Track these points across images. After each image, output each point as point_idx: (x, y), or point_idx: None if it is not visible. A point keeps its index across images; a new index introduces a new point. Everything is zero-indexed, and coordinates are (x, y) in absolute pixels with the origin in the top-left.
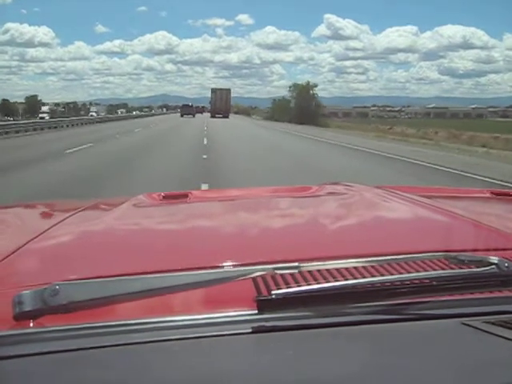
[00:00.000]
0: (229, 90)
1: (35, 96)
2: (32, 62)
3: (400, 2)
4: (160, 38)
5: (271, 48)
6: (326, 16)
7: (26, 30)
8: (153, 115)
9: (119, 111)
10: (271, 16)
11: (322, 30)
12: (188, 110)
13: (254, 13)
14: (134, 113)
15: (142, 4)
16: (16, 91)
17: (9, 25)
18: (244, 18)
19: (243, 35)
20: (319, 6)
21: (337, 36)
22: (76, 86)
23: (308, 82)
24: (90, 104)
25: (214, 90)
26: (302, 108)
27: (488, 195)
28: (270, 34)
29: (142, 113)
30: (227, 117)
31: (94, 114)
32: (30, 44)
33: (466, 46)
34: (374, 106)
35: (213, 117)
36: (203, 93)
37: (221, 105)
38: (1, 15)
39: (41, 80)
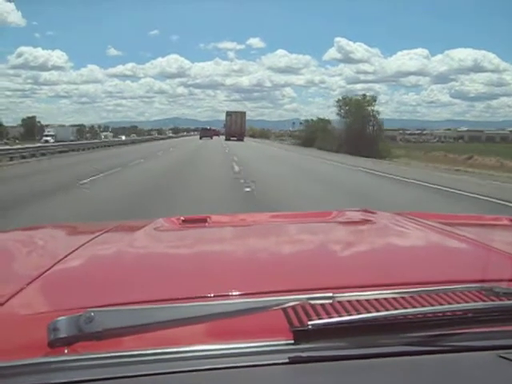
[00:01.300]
0: (244, 113)
1: (33, 118)
2: (45, 85)
3: (410, 25)
4: (172, 61)
5: (282, 71)
6: (337, 39)
7: (40, 54)
8: (156, 139)
9: (104, 134)
10: (282, 40)
11: (332, 53)
12: (206, 132)
13: (265, 36)
14: (124, 136)
15: (154, 28)
16: (29, 113)
17: (22, 48)
18: (255, 41)
19: (254, 59)
20: (330, 30)
21: (347, 59)
22: (88, 109)
23: (364, 96)
24: (99, 127)
25: (229, 113)
26: (355, 131)
27: (506, 222)
28: (281, 57)
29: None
30: (242, 140)
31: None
32: (43, 67)
33: (477, 69)
34: (399, 129)
35: (227, 140)
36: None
37: (236, 128)
38: (15, 39)
39: (54, 103)
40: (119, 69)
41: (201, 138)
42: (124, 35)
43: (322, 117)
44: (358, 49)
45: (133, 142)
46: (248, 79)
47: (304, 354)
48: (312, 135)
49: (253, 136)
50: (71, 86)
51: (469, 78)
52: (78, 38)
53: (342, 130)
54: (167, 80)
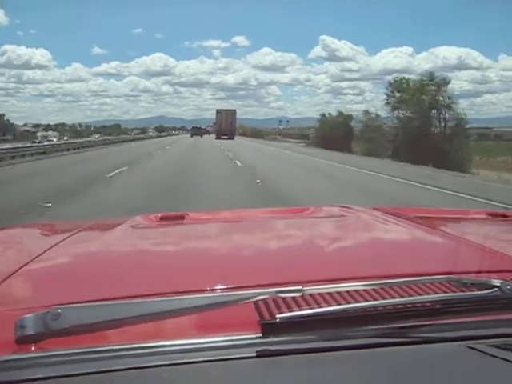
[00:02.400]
0: (234, 111)
1: (1, 116)
2: (29, 84)
3: (395, 23)
4: (157, 59)
5: (268, 69)
6: (322, 37)
7: (23, 52)
8: (134, 139)
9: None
10: (267, 38)
11: (318, 51)
12: (197, 131)
13: (250, 34)
14: (94, 136)
15: (138, 26)
16: (13, 113)
17: (5, 47)
18: (240, 39)
19: (239, 57)
20: (315, 28)
21: (333, 57)
22: (73, 108)
23: (431, 76)
24: (80, 126)
25: (219, 111)
26: (416, 129)
27: (484, 216)
28: (267, 55)
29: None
30: (232, 138)
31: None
32: (27, 66)
33: (461, 66)
34: None
35: (218, 138)
36: (200, 114)
37: (226, 126)
38: None
39: (38, 102)
40: (103, 67)
41: (192, 136)
42: (108, 33)
43: (309, 114)
44: (344, 47)
45: (90, 146)
46: (233, 77)
47: (272, 347)
48: (331, 133)
49: (243, 135)
50: (55, 84)
51: (453, 76)
52: (61, 36)
53: (392, 126)
54: (152, 78)
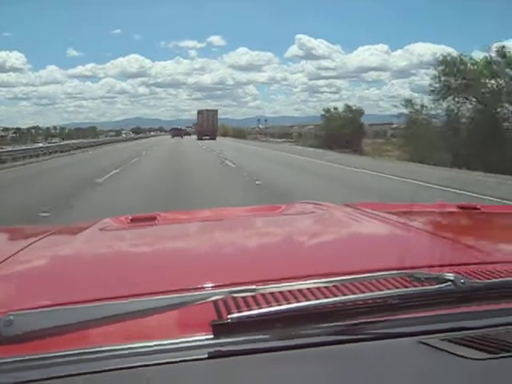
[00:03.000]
0: (216, 112)
1: None
2: (3, 87)
3: (370, 21)
4: (132, 60)
5: (244, 69)
6: (298, 36)
7: None
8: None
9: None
10: (243, 37)
11: (294, 50)
12: (177, 132)
13: (226, 34)
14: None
15: (114, 27)
16: None
17: None
18: (216, 39)
19: (216, 57)
20: (291, 27)
21: (309, 56)
22: (49, 111)
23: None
24: (55, 128)
25: (200, 112)
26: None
27: (454, 209)
28: (243, 55)
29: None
30: (214, 138)
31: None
32: (0, 69)
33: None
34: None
35: (200, 139)
36: (178, 115)
37: (208, 126)
38: None
39: (13, 105)
40: (79, 69)
41: (172, 137)
42: (83, 35)
43: (284, 114)
44: (320, 45)
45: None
46: (210, 77)
47: (224, 348)
48: (337, 132)
49: (224, 135)
50: (30, 87)
51: (429, 73)
52: (36, 38)
53: (440, 122)
54: (128, 80)
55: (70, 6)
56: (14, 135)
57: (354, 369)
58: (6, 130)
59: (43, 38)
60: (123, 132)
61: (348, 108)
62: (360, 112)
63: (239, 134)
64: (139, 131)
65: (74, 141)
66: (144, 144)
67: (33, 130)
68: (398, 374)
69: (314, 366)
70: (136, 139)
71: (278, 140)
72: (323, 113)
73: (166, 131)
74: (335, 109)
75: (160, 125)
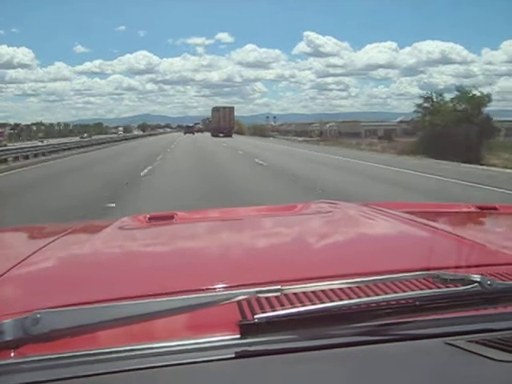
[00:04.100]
0: (232, 108)
1: None
2: (12, 84)
3: (379, 19)
4: (140, 57)
5: (252, 66)
6: (306, 33)
7: (5, 51)
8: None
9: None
10: (251, 34)
11: (302, 47)
12: (189, 129)
13: (233, 31)
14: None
15: (121, 24)
16: None
17: None
18: (224, 36)
19: (223, 53)
20: (299, 24)
21: (317, 53)
22: (57, 107)
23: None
24: (59, 125)
25: (216, 109)
26: None
27: (473, 209)
28: (251, 51)
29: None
30: (230, 136)
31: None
32: (9, 65)
33: (445, 61)
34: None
35: (215, 136)
36: (185, 111)
37: (225, 123)
38: None
39: (21, 101)
40: (87, 66)
41: (185, 134)
42: (91, 31)
43: (293, 111)
44: (328, 42)
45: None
46: (218, 74)
47: (251, 348)
48: (448, 131)
49: (240, 133)
50: (39, 83)
51: (437, 70)
52: (44, 34)
53: None
54: (136, 76)
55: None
56: (12, 131)
57: (380, 370)
58: (2, 125)
59: (51, 33)
60: (119, 129)
61: (464, 94)
62: (485, 100)
63: (258, 131)
64: (145, 128)
65: (65, 139)
66: (154, 144)
67: (34, 127)
68: (424, 375)
69: (339, 366)
70: (143, 137)
71: (299, 139)
72: (420, 102)
73: (173, 128)
74: (439, 96)
75: (168, 121)
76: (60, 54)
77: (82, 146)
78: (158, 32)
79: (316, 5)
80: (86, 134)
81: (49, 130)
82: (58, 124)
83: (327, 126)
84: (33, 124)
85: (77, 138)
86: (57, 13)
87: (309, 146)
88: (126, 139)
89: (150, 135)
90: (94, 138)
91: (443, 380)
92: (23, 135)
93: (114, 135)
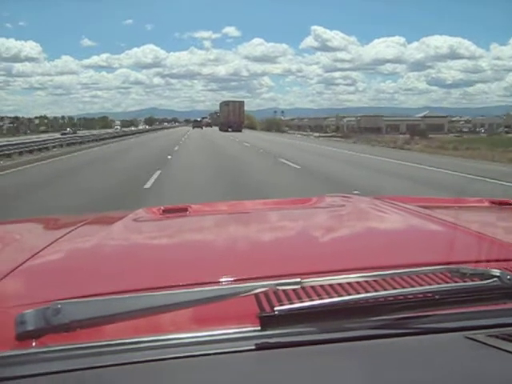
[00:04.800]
0: (242, 103)
1: None
2: (19, 77)
3: (387, 13)
4: (147, 51)
5: (259, 60)
6: (313, 28)
7: (12, 45)
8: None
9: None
10: (258, 28)
11: (309, 41)
12: (198, 123)
13: (240, 25)
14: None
15: (128, 17)
16: (4, 106)
17: None
18: (231, 30)
19: (230, 48)
20: (306, 18)
21: (324, 47)
22: (65, 101)
23: None
24: (63, 119)
25: (226, 103)
26: None
27: (487, 204)
28: (258, 46)
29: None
30: (240, 130)
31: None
32: (16, 59)
33: (453, 56)
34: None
35: (223, 130)
36: (192, 106)
37: (234, 118)
38: None
39: (28, 95)
40: (94, 59)
41: (193, 128)
42: (98, 25)
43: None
44: (335, 37)
45: None
46: (225, 68)
47: (271, 340)
48: None
49: (252, 128)
50: (46, 77)
51: (445, 65)
52: (51, 28)
53: None
54: (143, 70)
55: None
56: (11, 125)
57: (399, 363)
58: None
59: (58, 27)
60: (116, 123)
61: None
62: None
63: (272, 126)
64: (152, 122)
65: (45, 135)
66: (160, 144)
67: (37, 120)
68: (444, 369)
69: (360, 359)
70: (147, 131)
71: (315, 134)
72: None
73: (180, 122)
74: None
75: (174, 115)
76: (67, 47)
77: (54, 147)
78: (165, 26)
79: None
80: (68, 129)
81: (53, 124)
82: (63, 118)
83: (344, 120)
84: (36, 117)
85: (57, 135)
86: (64, 6)
87: (335, 144)
88: (125, 135)
89: (155, 130)
90: (85, 133)
91: (463, 374)
92: (22, 129)
93: (110, 130)
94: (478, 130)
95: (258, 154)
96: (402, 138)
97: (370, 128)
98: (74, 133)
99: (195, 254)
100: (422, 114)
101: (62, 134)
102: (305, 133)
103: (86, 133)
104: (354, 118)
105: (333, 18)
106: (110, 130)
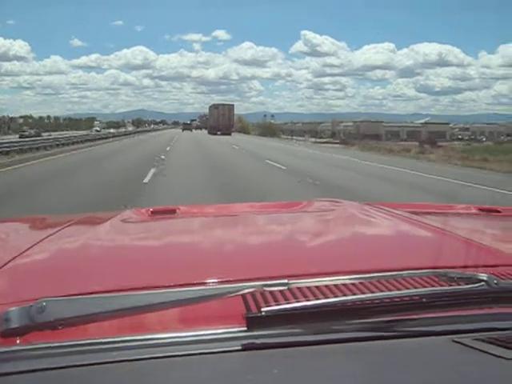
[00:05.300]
0: (232, 106)
1: None
2: (7, 76)
3: (377, 19)
4: (137, 52)
5: (249, 64)
6: (303, 32)
7: (1, 43)
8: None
9: None
10: (248, 32)
11: (299, 46)
12: (187, 126)
13: (230, 28)
14: None
15: (118, 18)
16: None
17: None
18: (221, 33)
19: (220, 51)
20: (296, 22)
21: (314, 52)
22: (53, 101)
23: None
24: (48, 119)
25: (215, 106)
26: None
27: (475, 211)
28: (248, 49)
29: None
30: (229, 134)
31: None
32: (4, 57)
33: (442, 63)
34: (445, 123)
35: (212, 134)
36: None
37: (224, 121)
38: None
39: (16, 94)
40: (83, 60)
41: (183, 131)
42: (88, 26)
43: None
44: (325, 42)
45: None
46: (214, 72)
47: (257, 341)
48: None
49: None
50: (34, 76)
51: (434, 72)
52: (40, 27)
53: None
54: (132, 72)
55: None
56: None
57: (386, 365)
58: None
59: (47, 26)
60: (96, 123)
61: None
62: None
63: (267, 130)
64: (140, 123)
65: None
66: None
67: (21, 120)
68: (431, 372)
69: (345, 361)
70: (131, 134)
71: (311, 139)
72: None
73: (168, 124)
74: None
75: (163, 117)
76: (56, 47)
77: None
78: (155, 27)
79: (314, 4)
80: (29, 131)
81: (39, 124)
82: (48, 117)
83: (341, 125)
84: (21, 117)
85: (12, 137)
86: (54, 6)
87: (339, 151)
88: (104, 138)
89: (138, 133)
90: (51, 134)
91: (450, 377)
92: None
93: (84, 132)
94: (478, 137)
95: (265, 164)
96: (408, 145)
97: (369, 134)
98: (37, 135)
99: (183, 255)
100: (422, 121)
101: (20, 137)
102: (302, 138)
103: (55, 135)
104: (351, 124)
105: (323, 23)
106: (83, 132)
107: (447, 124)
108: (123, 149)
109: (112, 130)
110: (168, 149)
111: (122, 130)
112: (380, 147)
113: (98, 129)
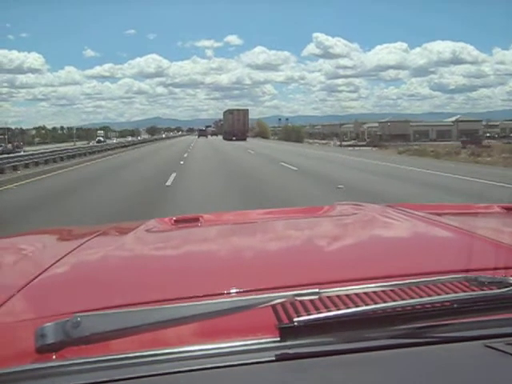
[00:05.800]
0: (247, 111)
1: None
2: (22, 89)
3: (389, 19)
4: (150, 61)
5: (261, 68)
6: (315, 35)
7: (15, 56)
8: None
9: None
10: (260, 36)
11: (311, 48)
12: (203, 132)
13: (242, 33)
14: None
15: (130, 27)
16: (9, 118)
17: None
18: (233, 38)
19: (233, 56)
20: (307, 25)
21: (327, 55)
22: (68, 111)
23: None
24: (62, 129)
25: (230, 111)
26: None
27: (498, 210)
28: (260, 54)
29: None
30: (244, 139)
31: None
32: (19, 70)
33: (456, 61)
34: (476, 120)
35: (227, 139)
36: (196, 115)
37: (239, 126)
38: None
39: (32, 106)
40: (97, 70)
41: (198, 137)
42: (100, 35)
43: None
44: (337, 44)
45: None
46: (227, 77)
47: (291, 351)
48: None
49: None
50: (49, 88)
51: (448, 71)
52: (53, 39)
53: None
54: (146, 80)
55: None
56: (2, 137)
57: (419, 372)
58: None
59: (60, 38)
60: (99, 133)
61: None
62: None
63: (291, 135)
64: (154, 131)
65: None
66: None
67: (33, 131)
68: (464, 377)
69: (378, 369)
70: (144, 143)
71: (336, 142)
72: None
73: (183, 131)
74: None
75: (178, 125)
76: (70, 58)
77: None
78: (168, 35)
79: (325, 6)
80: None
81: (53, 135)
82: (62, 128)
83: (365, 126)
84: (34, 128)
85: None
86: (66, 17)
87: (374, 155)
88: (108, 149)
89: (143, 142)
90: (38, 149)
91: (483, 383)
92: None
93: (77, 144)
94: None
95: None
96: (445, 145)
97: (396, 135)
98: (14, 149)
99: (211, 265)
100: (453, 119)
101: None
102: (324, 141)
103: (51, 147)
104: (375, 124)
105: (334, 24)
106: (81, 144)
107: (479, 121)
108: (117, 165)
109: (114, 140)
110: (186, 155)
111: (129, 138)
112: (421, 149)
113: (102, 139)
